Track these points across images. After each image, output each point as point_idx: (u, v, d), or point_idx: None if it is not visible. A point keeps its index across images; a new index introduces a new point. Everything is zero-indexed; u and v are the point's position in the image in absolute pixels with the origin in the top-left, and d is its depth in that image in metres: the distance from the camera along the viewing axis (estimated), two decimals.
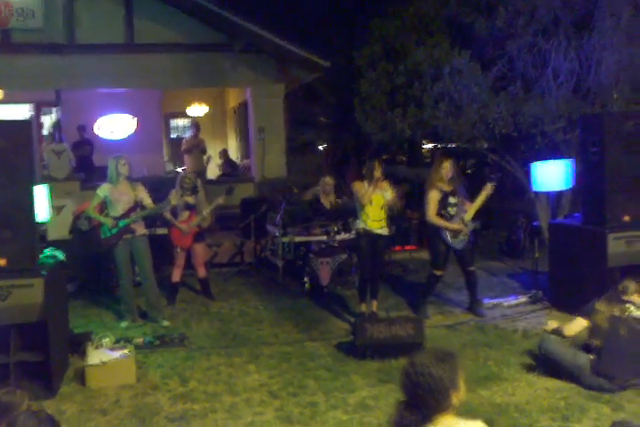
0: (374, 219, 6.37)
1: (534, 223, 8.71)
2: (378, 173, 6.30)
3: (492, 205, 7.02)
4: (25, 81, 10.70)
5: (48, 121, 13.84)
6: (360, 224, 6.45)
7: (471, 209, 6.50)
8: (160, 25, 11.00)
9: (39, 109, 13.66)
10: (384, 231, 6.46)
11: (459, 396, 2.30)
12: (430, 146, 21.13)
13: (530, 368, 5.05)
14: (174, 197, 6.95)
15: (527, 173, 8.01)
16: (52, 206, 7.60)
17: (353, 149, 18.41)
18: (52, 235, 9.02)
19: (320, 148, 24.78)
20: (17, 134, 4.80)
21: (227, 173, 13.32)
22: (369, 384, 4.90)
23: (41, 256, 5.24)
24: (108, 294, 7.75)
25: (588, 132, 6.30)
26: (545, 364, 4.94)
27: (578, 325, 4.87)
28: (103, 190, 6.47)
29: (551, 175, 7.09)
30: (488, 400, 4.53)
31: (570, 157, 8.13)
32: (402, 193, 6.76)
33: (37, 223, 5.09)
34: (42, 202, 5.58)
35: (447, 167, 6.41)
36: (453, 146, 13.83)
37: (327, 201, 8.54)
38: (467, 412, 2.54)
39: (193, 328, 6.51)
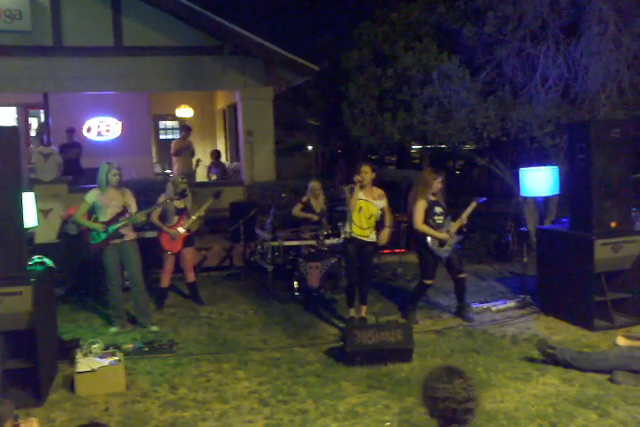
0: (361, 226, 6.36)
1: (522, 228, 8.77)
2: (367, 177, 6.29)
3: (480, 207, 7.04)
4: (11, 84, 10.60)
5: (35, 123, 13.75)
6: (347, 229, 6.43)
7: (456, 222, 6.59)
8: (148, 28, 10.96)
9: (26, 112, 13.55)
10: (370, 238, 6.44)
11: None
12: (419, 147, 21.22)
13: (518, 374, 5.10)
14: (156, 211, 7.05)
15: (515, 177, 8.06)
16: (40, 210, 7.58)
17: (342, 151, 18.46)
18: (40, 238, 8.98)
19: (309, 148, 24.80)
20: (4, 141, 4.75)
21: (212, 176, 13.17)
22: (358, 391, 4.91)
23: (29, 263, 5.21)
24: (97, 299, 7.70)
25: (576, 139, 6.35)
26: None
27: None
28: (92, 196, 6.43)
29: (539, 181, 7.13)
30: None
31: (558, 162, 8.19)
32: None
33: (25, 230, 5.06)
34: (29, 208, 5.55)
35: (441, 182, 6.47)
36: (442, 147, 13.91)
37: (317, 205, 8.55)
38: None
39: (182, 333, 6.50)
